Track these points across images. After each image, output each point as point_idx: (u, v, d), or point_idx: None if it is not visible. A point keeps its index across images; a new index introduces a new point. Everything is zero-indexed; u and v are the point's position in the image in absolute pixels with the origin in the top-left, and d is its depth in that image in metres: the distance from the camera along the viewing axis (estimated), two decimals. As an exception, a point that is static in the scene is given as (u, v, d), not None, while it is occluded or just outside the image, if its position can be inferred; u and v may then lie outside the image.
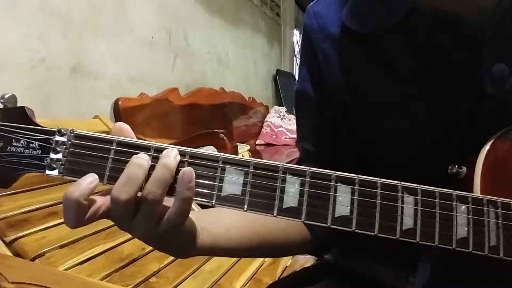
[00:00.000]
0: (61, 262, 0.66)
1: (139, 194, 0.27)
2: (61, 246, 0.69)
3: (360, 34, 0.38)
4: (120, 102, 1.16)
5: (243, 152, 1.55)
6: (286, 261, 0.93)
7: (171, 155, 0.27)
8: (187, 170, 0.27)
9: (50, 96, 0.95)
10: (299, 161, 0.47)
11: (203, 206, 0.30)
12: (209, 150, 1.19)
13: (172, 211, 0.28)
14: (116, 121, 1.14)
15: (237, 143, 1.57)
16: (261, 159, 0.29)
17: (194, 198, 0.28)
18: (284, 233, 0.41)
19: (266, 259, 0.91)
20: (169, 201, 0.28)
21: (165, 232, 0.28)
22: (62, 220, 0.75)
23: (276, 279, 0.85)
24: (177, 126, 1.45)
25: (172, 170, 0.27)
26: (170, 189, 0.27)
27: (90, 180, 0.27)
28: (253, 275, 0.86)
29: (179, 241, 0.31)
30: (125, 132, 0.29)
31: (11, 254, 0.61)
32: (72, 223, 0.27)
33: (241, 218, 0.38)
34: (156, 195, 0.26)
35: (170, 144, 0.29)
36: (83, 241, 0.72)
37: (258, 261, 0.91)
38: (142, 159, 0.27)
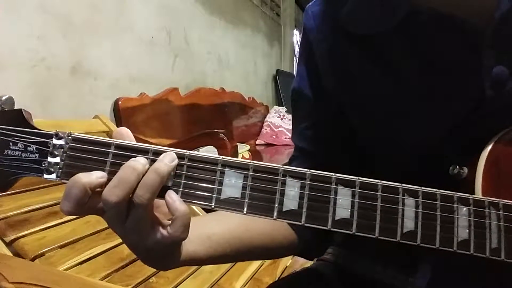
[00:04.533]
0: (61, 262, 0.66)
1: None
2: (61, 246, 0.69)
3: (359, 36, 0.38)
4: (120, 102, 1.16)
5: (243, 152, 1.55)
6: (286, 261, 0.93)
7: (165, 160, 0.27)
8: (169, 191, 0.27)
9: (50, 96, 0.95)
10: (291, 159, 0.47)
11: (207, 211, 0.30)
12: (209, 150, 1.17)
13: (176, 227, 0.28)
14: (116, 121, 1.14)
15: (237, 143, 1.57)
16: (261, 159, 0.29)
17: (194, 201, 0.28)
18: (270, 237, 0.40)
19: (266, 259, 0.91)
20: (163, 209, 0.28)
21: (163, 244, 0.28)
22: (62, 220, 0.76)
23: (276, 279, 0.85)
24: (177, 126, 1.45)
25: (163, 176, 0.27)
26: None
27: (100, 175, 0.27)
28: (253, 275, 0.86)
29: (166, 252, 0.31)
30: (126, 137, 0.29)
31: (11, 254, 0.61)
32: (70, 208, 0.26)
33: (223, 223, 0.38)
34: (142, 200, 0.26)
35: (169, 144, 0.29)
36: (83, 241, 0.72)
37: (258, 261, 0.90)
38: (137, 162, 0.27)
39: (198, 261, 0.35)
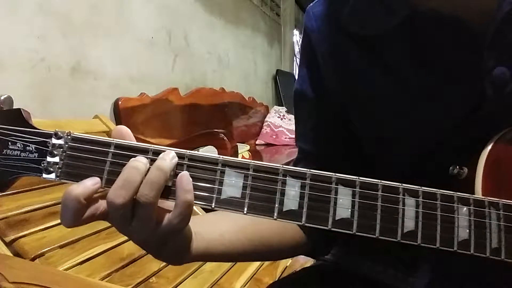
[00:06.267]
0: (61, 262, 0.66)
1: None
2: (61, 246, 0.69)
3: (360, 36, 0.38)
4: (120, 102, 1.16)
5: (243, 152, 1.54)
6: (286, 261, 0.93)
7: (167, 157, 0.27)
8: (184, 174, 0.27)
9: (50, 96, 0.95)
10: (296, 161, 0.47)
11: (207, 210, 0.30)
12: (209, 150, 1.16)
13: (174, 215, 0.27)
14: (116, 121, 1.14)
15: (237, 143, 1.57)
16: (261, 159, 0.29)
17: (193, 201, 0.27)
18: (278, 236, 0.41)
19: (266, 259, 0.91)
20: (167, 205, 0.28)
21: (165, 236, 0.28)
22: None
23: (276, 279, 0.85)
24: (177, 126, 1.45)
25: (166, 173, 0.27)
26: (168, 192, 0.27)
27: (93, 182, 0.27)
28: (253, 275, 0.86)
29: (176, 246, 0.31)
30: (126, 136, 0.29)
31: (11, 254, 0.61)
32: (69, 222, 0.26)
33: (234, 222, 0.38)
34: (148, 198, 0.26)
35: (169, 144, 0.29)
36: (83, 241, 0.72)
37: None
38: (139, 162, 0.27)
39: (210, 257, 0.35)
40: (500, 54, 0.33)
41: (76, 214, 0.26)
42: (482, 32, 0.33)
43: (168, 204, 0.28)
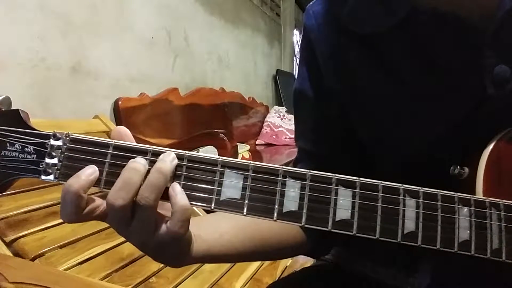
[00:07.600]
0: (61, 262, 0.66)
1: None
2: (61, 246, 0.68)
3: (360, 35, 0.37)
4: (120, 102, 1.15)
5: (243, 152, 1.54)
6: (286, 261, 0.93)
7: (167, 159, 0.27)
8: (175, 184, 0.27)
9: (50, 96, 0.95)
10: (296, 161, 0.47)
11: (207, 211, 0.30)
12: (209, 151, 1.16)
13: (173, 223, 0.27)
14: (116, 121, 1.14)
15: (237, 143, 1.57)
16: (261, 159, 0.29)
17: (193, 203, 0.27)
18: (279, 236, 0.40)
19: (266, 259, 0.91)
20: (167, 206, 0.28)
21: (165, 242, 0.28)
22: (62, 220, 0.75)
23: (276, 279, 0.85)
24: (177, 126, 1.45)
25: (167, 175, 0.27)
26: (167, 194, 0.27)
27: (89, 172, 0.26)
28: (253, 275, 0.86)
29: (176, 250, 0.31)
30: (125, 136, 0.29)
31: (11, 254, 0.61)
32: (69, 217, 0.26)
33: (234, 223, 0.38)
34: (148, 201, 0.26)
35: (170, 144, 0.29)
36: (83, 241, 0.72)
37: (258, 261, 0.90)
38: (138, 164, 0.27)
39: (210, 259, 0.35)
40: (500, 53, 0.33)
41: (76, 209, 0.26)
42: (483, 30, 0.32)
43: (169, 206, 0.28)
